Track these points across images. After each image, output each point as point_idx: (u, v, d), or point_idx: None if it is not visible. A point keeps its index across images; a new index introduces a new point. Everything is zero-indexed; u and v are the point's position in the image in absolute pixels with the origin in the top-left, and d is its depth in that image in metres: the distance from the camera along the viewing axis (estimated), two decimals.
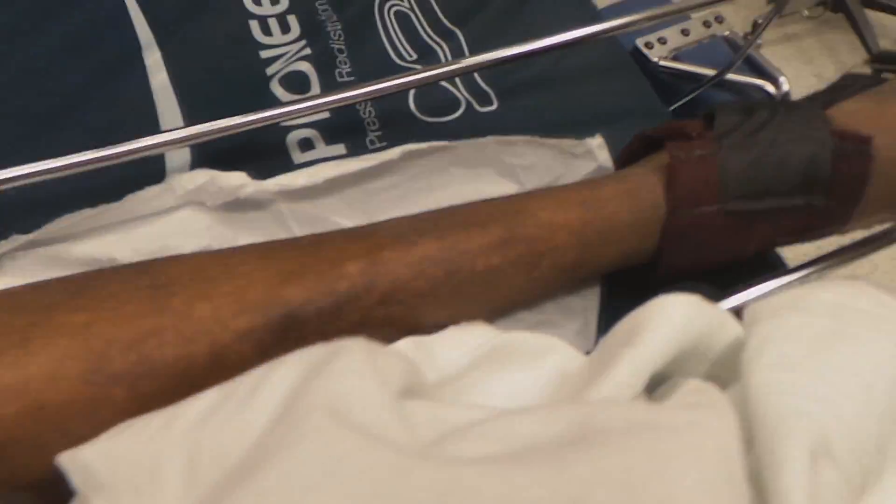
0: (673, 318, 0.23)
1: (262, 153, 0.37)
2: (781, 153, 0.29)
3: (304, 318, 0.23)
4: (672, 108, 0.54)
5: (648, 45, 0.57)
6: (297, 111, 0.35)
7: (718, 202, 0.29)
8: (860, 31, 1.67)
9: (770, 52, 1.77)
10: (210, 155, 0.36)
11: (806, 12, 0.49)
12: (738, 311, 0.28)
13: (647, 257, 0.31)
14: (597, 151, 0.36)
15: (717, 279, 0.33)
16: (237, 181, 0.31)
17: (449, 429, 0.17)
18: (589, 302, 0.34)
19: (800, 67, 1.82)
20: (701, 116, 0.32)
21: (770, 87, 0.52)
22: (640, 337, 0.23)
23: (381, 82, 0.37)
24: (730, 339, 0.26)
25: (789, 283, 0.33)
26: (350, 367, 0.15)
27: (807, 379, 0.23)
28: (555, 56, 0.46)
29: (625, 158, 0.35)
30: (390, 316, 0.25)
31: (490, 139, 0.36)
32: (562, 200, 0.28)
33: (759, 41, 1.63)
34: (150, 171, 0.34)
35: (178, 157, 0.35)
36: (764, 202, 0.29)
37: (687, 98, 0.53)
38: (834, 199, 0.29)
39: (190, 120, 0.37)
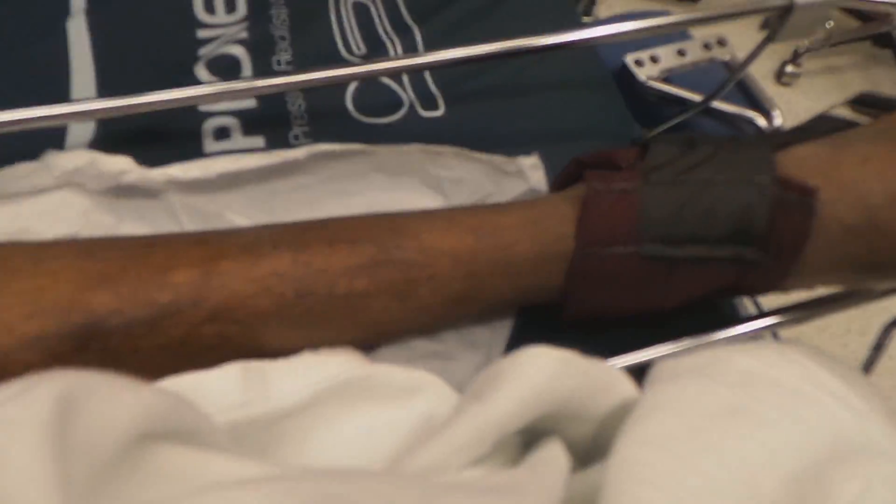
0: (530, 377, 0.20)
1: (174, 138, 0.34)
2: (713, 197, 0.25)
3: (110, 330, 0.20)
4: (653, 133, 0.50)
5: (639, 63, 0.53)
6: (207, 95, 0.32)
7: (633, 244, 0.25)
8: None
9: (810, 82, 1.71)
10: (118, 134, 0.34)
11: (807, 42, 0.45)
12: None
13: (555, 295, 0.27)
14: (528, 172, 0.33)
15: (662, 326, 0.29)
16: (119, 166, 0.29)
17: (183, 492, 0.14)
18: (497, 335, 0.31)
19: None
20: (638, 146, 0.29)
21: (761, 121, 0.48)
22: (490, 395, 0.20)
23: (311, 72, 0.34)
24: (617, 401, 0.23)
25: (719, 341, 0.29)
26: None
27: (678, 465, 0.19)
28: (520, 64, 0.43)
29: (560, 184, 0.32)
30: (224, 335, 0.22)
31: (414, 147, 0.33)
32: (453, 223, 0.25)
33: (796, 70, 1.55)
34: (46, 146, 0.32)
35: (82, 134, 0.33)
36: (685, 249, 0.25)
37: (669, 124, 0.49)
38: (769, 255, 0.25)
39: (102, 95, 0.35)
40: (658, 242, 0.25)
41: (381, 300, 0.24)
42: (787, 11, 0.40)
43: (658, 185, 0.26)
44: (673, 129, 0.50)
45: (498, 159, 0.33)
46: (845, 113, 0.33)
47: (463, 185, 0.33)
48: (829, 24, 0.45)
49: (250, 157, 0.31)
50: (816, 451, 0.22)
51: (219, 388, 0.20)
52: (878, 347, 0.40)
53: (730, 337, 0.29)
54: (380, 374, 0.24)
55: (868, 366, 0.41)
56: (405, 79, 0.40)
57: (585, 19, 0.61)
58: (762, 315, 0.31)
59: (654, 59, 0.53)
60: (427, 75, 0.40)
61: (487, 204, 0.27)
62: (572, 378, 0.21)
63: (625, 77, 0.54)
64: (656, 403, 0.22)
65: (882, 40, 1.68)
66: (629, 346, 0.30)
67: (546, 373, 0.20)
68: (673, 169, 0.26)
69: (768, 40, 0.42)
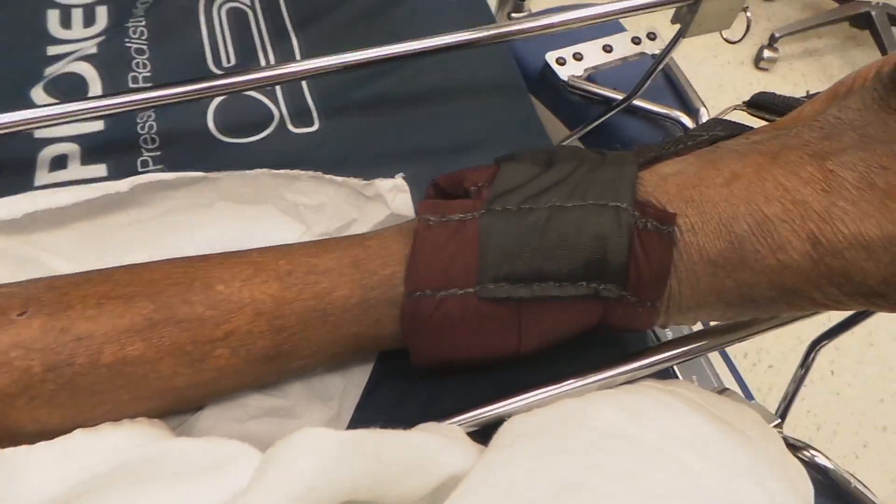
0: (301, 468, 0.17)
1: (4, 169, 0.31)
2: (563, 225, 0.22)
3: None
4: (570, 136, 0.47)
5: (560, 62, 0.49)
6: (33, 120, 0.29)
7: (472, 285, 0.22)
8: (885, 51, 1.55)
9: (789, 66, 1.67)
10: None
11: (724, 34, 0.41)
12: None
13: (395, 343, 0.24)
14: (388, 196, 0.29)
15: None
16: None
17: None
18: (352, 383, 0.27)
19: (819, 86, 1.70)
20: (497, 163, 0.25)
21: (686, 120, 0.44)
22: (253, 490, 0.17)
23: (162, 89, 0.31)
24: (441, 479, 0.20)
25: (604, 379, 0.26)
26: None
27: None
28: (413, 71, 0.39)
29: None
30: None
31: (261, 172, 0.29)
32: (259, 269, 0.22)
33: (774, 55, 1.51)
34: None
35: None
36: (532, 289, 0.22)
37: (589, 126, 0.45)
38: (629, 292, 0.22)
39: None
40: (500, 281, 0.22)
41: (165, 366, 0.20)
42: (695, 3, 0.37)
43: (501, 213, 0.22)
44: (596, 131, 0.46)
45: (355, 182, 0.29)
46: (742, 117, 0.29)
47: (324, 211, 0.30)
48: (748, 15, 0.42)
49: (64, 192, 0.27)
50: None
51: None
52: (805, 366, 0.36)
53: (619, 373, 0.25)
54: (173, 450, 0.21)
55: (798, 384, 0.38)
56: (279, 92, 0.36)
57: (515, 16, 0.57)
58: (645, 352, 0.27)
59: (577, 57, 0.50)
60: (304, 87, 0.37)
61: (308, 241, 0.24)
62: (358, 463, 0.17)
63: (547, 77, 0.50)
64: (477, 486, 0.19)
65: (860, 21, 1.64)
66: (511, 384, 0.26)
67: (321, 461, 0.17)
68: (522, 193, 0.23)
69: (680, 35, 0.39)
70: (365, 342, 0.23)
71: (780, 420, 0.34)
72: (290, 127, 0.35)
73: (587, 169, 0.23)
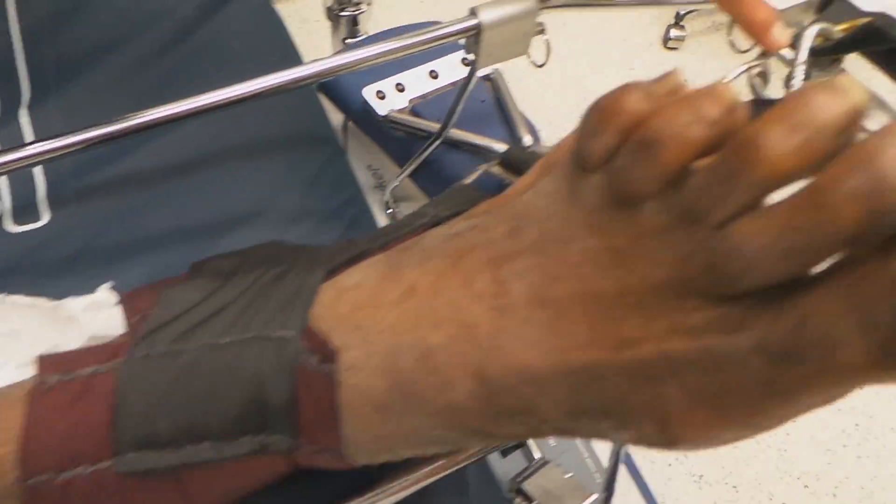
0: None
1: None
2: (216, 369, 0.17)
3: None
4: (401, 175, 0.43)
5: (380, 95, 0.45)
6: None
7: (109, 456, 0.17)
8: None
9: (698, 43, 1.66)
10: None
11: (529, 57, 0.38)
12: None
13: None
14: (82, 317, 0.24)
15: None
16: None
17: None
18: None
19: (733, 62, 1.70)
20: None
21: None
22: None
23: None
24: None
25: None
26: None
27: None
28: (183, 135, 0.34)
29: None
30: None
31: None
32: None
33: (681, 33, 1.50)
34: None
35: None
36: (182, 453, 0.17)
37: (413, 164, 0.41)
38: (304, 439, 0.18)
39: None
40: (143, 448, 0.17)
41: None
42: (476, 35, 0.33)
43: (144, 360, 0.18)
44: (427, 168, 0.42)
45: (43, 304, 0.24)
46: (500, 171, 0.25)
47: (19, 339, 0.25)
48: (547, 38, 0.39)
49: None
50: None
51: None
52: None
53: None
54: None
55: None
56: (1, 182, 0.31)
57: (349, 41, 0.53)
58: None
59: (399, 88, 0.45)
60: (37, 171, 0.31)
61: None
62: None
63: (370, 114, 0.46)
64: None
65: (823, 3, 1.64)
66: None
67: None
68: (177, 327, 0.18)
69: (474, 66, 0.35)
70: None
71: (605, 494, 0.30)
72: (9, 226, 0.29)
73: (270, 279, 0.19)
